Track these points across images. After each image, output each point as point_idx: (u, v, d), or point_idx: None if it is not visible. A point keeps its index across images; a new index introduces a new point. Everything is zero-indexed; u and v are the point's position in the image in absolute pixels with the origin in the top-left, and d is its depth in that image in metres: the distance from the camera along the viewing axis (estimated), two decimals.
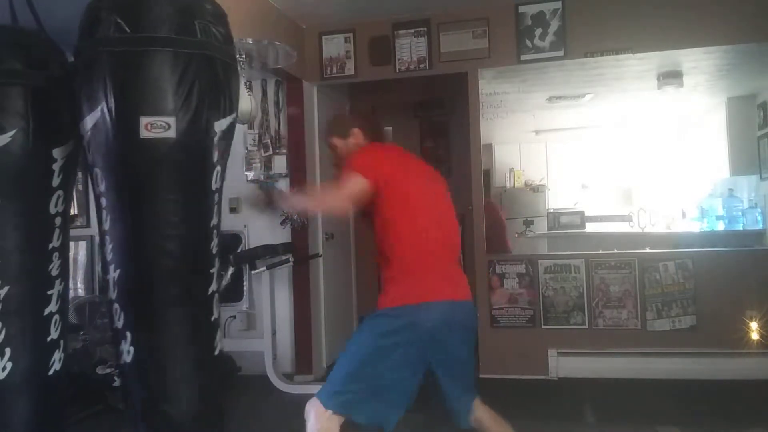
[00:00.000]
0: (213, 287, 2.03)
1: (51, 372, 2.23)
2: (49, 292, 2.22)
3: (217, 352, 2.07)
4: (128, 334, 1.89)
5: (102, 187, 1.88)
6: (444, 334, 2.05)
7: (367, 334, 2.07)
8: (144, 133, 1.80)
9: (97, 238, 3.62)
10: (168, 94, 1.83)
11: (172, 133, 1.83)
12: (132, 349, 1.89)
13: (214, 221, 2.04)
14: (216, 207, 2.04)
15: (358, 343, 2.07)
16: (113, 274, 1.89)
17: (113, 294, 1.91)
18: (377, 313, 2.09)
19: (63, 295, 2.30)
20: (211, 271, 2.02)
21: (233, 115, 2.05)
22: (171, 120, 1.83)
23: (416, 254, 2.09)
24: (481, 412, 2.20)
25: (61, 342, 2.28)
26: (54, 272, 2.25)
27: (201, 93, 1.88)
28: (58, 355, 2.26)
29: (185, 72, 1.85)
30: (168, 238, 1.89)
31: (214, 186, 2.01)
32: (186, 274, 1.95)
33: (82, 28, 1.87)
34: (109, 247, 1.89)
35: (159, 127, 1.81)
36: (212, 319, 2.04)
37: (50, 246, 2.23)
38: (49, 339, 2.22)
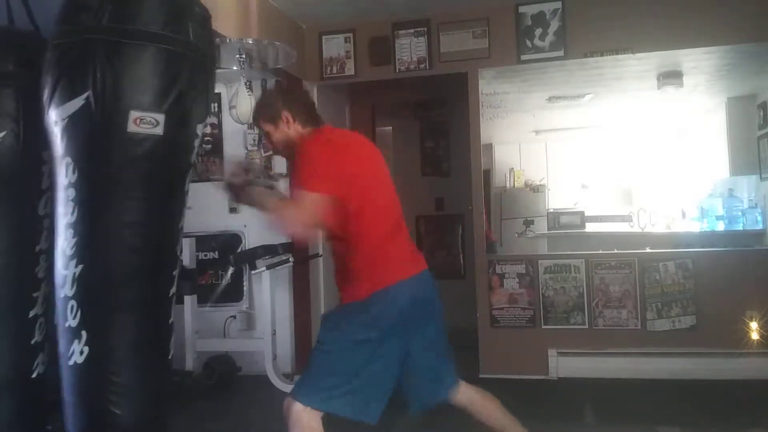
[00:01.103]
0: (173, 289, 1.98)
1: (34, 374, 2.21)
2: (34, 295, 2.21)
3: (170, 356, 2.02)
4: (84, 334, 1.79)
5: (73, 178, 1.78)
6: (413, 311, 2.03)
7: (341, 329, 2.02)
8: (132, 127, 1.75)
9: None
10: (160, 91, 1.79)
11: (159, 131, 1.79)
12: (87, 349, 1.78)
13: (181, 222, 2.00)
14: (183, 209, 2.01)
15: (331, 339, 2.02)
16: (74, 269, 1.78)
17: (70, 290, 1.79)
18: (348, 309, 2.04)
19: (49, 298, 2.26)
20: (174, 273, 1.97)
21: (209, 120, 2.03)
22: (161, 117, 1.79)
23: (380, 241, 2.05)
24: (469, 392, 2.22)
25: (45, 345, 2.26)
26: (41, 274, 2.23)
27: (190, 94, 1.86)
28: (41, 358, 2.25)
29: (180, 72, 1.82)
30: (139, 236, 1.83)
31: (186, 187, 1.99)
32: (151, 274, 1.89)
33: (67, 10, 1.79)
34: (72, 240, 1.79)
35: (148, 123, 1.77)
36: (169, 322, 1.99)
37: (38, 248, 2.21)
38: (33, 341, 2.21)
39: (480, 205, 4.28)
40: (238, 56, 3.36)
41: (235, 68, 3.40)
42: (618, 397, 3.67)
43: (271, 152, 4.46)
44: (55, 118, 1.79)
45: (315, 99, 4.49)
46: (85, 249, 1.79)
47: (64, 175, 1.80)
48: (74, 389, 1.82)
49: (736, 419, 3.21)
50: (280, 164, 4.47)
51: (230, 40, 3.18)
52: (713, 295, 3.88)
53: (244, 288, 4.62)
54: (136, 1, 1.77)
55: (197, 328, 4.19)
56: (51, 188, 2.07)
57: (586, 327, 4.01)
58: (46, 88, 1.80)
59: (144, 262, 1.85)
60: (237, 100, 3.48)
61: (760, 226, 5.36)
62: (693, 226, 6.33)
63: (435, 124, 6.12)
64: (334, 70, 4.40)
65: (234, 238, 4.60)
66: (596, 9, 4.01)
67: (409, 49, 4.29)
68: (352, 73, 4.39)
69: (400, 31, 4.30)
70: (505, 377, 4.02)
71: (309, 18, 4.28)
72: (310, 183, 1.91)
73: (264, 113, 2.13)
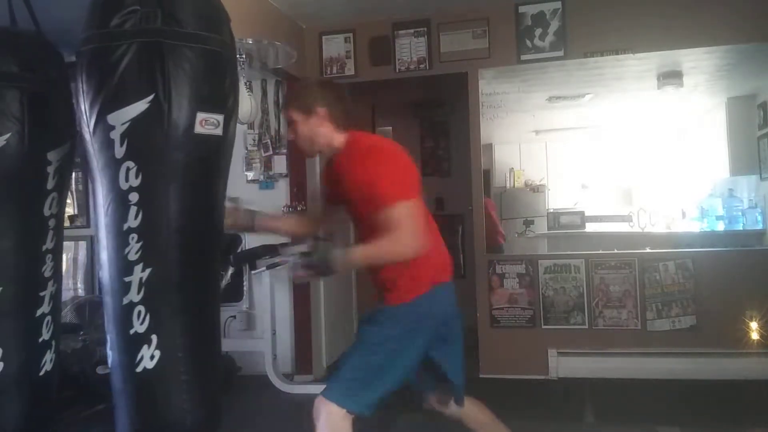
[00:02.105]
0: (220, 288, 2.08)
1: (42, 372, 2.24)
2: (41, 294, 2.23)
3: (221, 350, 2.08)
4: (154, 338, 1.77)
5: (135, 182, 1.75)
6: (451, 312, 2.05)
7: (386, 333, 1.94)
8: (198, 129, 1.77)
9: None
10: (218, 92, 1.83)
11: (219, 131, 1.83)
12: (158, 353, 1.77)
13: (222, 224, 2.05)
14: (224, 210, 2.05)
15: (377, 343, 1.93)
16: (140, 274, 1.76)
17: (137, 296, 1.77)
18: (392, 312, 1.98)
19: (56, 297, 2.30)
20: (221, 272, 2.06)
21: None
22: (221, 118, 1.83)
23: (432, 245, 2.02)
24: (469, 404, 2.20)
25: (53, 343, 2.29)
26: (47, 274, 2.26)
27: (236, 95, 1.91)
28: (49, 356, 2.27)
29: (233, 73, 1.87)
30: (201, 235, 1.86)
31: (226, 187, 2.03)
32: (212, 272, 1.95)
33: (104, 13, 1.73)
34: (136, 246, 1.76)
35: (211, 124, 1.80)
36: (219, 318, 2.06)
37: (44, 248, 2.24)
38: (40, 340, 2.23)
39: (480, 205, 4.28)
40: (238, 56, 3.35)
41: None
42: (618, 397, 3.67)
43: (270, 153, 4.48)
44: (111, 123, 1.74)
45: None
46: (152, 252, 1.78)
47: (124, 180, 1.75)
48: (142, 395, 1.81)
49: (736, 419, 3.21)
50: (279, 165, 4.48)
51: None
52: (713, 295, 3.88)
53: (244, 288, 4.62)
54: (184, 4, 1.77)
55: None
56: (93, 194, 2.04)
57: (586, 327, 4.01)
58: (92, 93, 1.75)
59: (207, 262, 1.90)
60: None
61: (760, 226, 5.36)
62: (693, 226, 6.34)
63: (435, 124, 6.12)
64: (334, 70, 4.40)
65: (234, 238, 4.59)
66: (596, 9, 4.01)
67: (409, 49, 4.29)
68: (352, 73, 4.39)
69: (400, 31, 4.30)
70: (505, 377, 4.02)
71: (309, 18, 4.28)
72: (400, 192, 1.86)
73: (297, 101, 2.03)
